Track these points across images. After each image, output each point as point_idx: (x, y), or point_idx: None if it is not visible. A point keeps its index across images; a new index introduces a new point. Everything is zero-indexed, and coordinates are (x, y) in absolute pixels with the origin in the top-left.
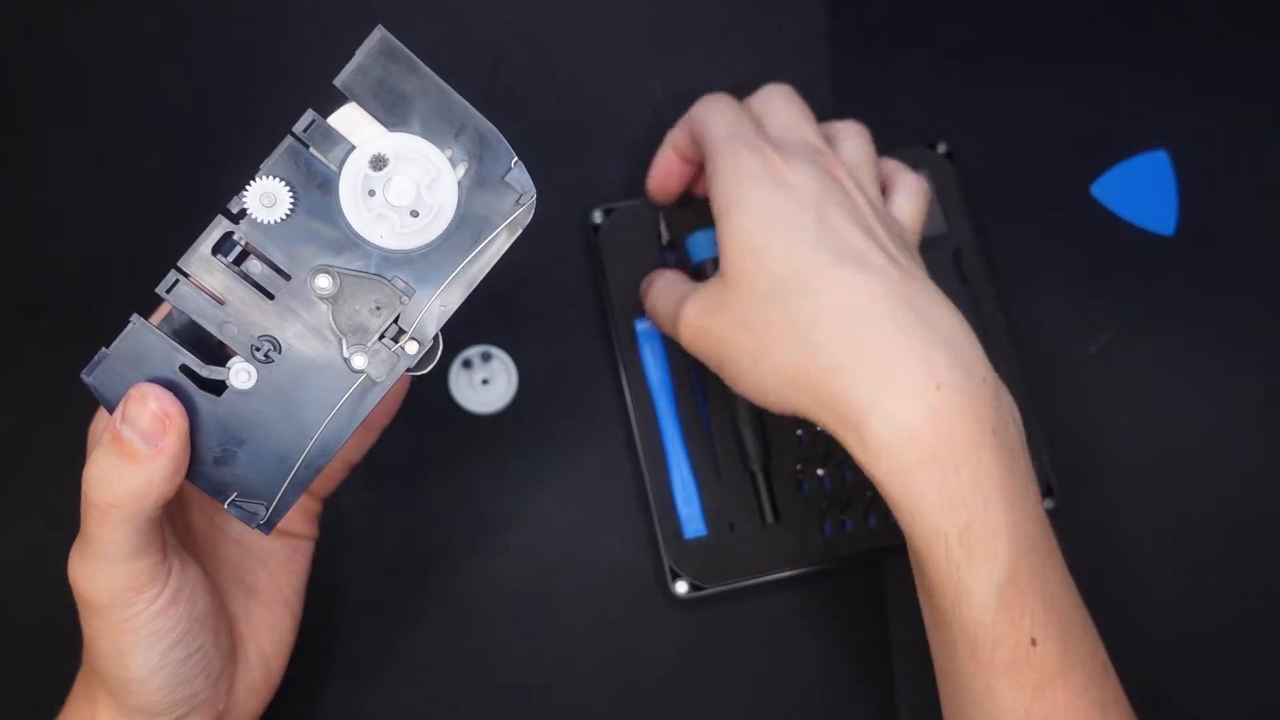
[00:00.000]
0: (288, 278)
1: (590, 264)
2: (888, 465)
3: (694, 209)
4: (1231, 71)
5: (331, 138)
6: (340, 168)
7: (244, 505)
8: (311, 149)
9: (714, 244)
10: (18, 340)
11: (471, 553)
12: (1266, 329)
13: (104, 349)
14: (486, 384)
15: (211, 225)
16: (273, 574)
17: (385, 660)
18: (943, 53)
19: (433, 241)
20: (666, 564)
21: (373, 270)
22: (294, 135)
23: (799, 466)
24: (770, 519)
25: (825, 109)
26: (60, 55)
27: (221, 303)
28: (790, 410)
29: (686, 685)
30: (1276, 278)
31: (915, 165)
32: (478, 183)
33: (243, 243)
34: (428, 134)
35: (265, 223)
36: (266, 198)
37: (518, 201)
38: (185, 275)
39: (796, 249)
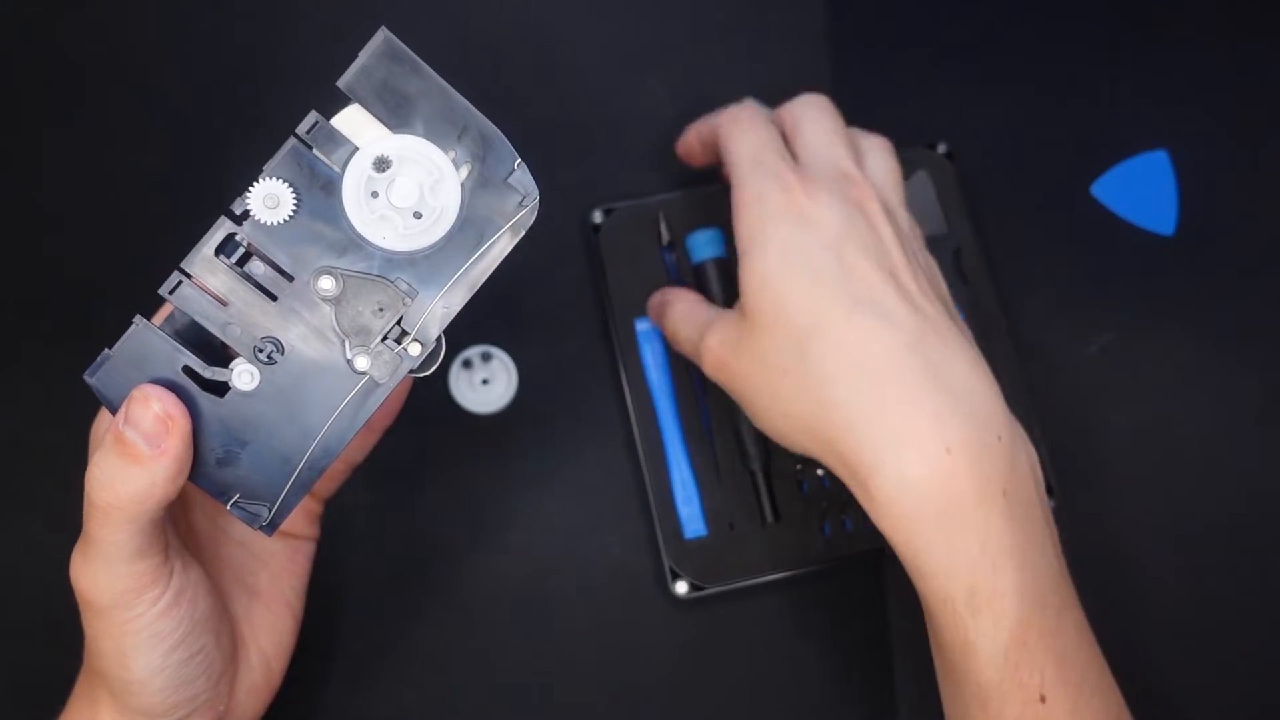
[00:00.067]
0: (291, 279)
1: (590, 264)
2: (896, 524)
3: (693, 209)
4: (1231, 71)
5: (335, 139)
6: (343, 169)
7: (246, 506)
8: (315, 150)
9: (714, 244)
10: (18, 340)
11: (472, 553)
12: (1266, 329)
13: (107, 350)
14: (486, 384)
15: (215, 226)
16: (274, 575)
17: (386, 660)
18: (943, 53)
19: (436, 243)
20: (666, 564)
21: (376, 272)
22: (297, 136)
23: (799, 466)
24: (770, 519)
25: None
26: (60, 55)
27: (224, 304)
28: (803, 453)
29: (686, 685)
30: (1276, 278)
31: (915, 165)
32: (481, 184)
33: (246, 244)
34: (431, 136)
35: (268, 224)
36: (270, 199)
37: (521, 203)
38: (188, 276)
39: (815, 294)
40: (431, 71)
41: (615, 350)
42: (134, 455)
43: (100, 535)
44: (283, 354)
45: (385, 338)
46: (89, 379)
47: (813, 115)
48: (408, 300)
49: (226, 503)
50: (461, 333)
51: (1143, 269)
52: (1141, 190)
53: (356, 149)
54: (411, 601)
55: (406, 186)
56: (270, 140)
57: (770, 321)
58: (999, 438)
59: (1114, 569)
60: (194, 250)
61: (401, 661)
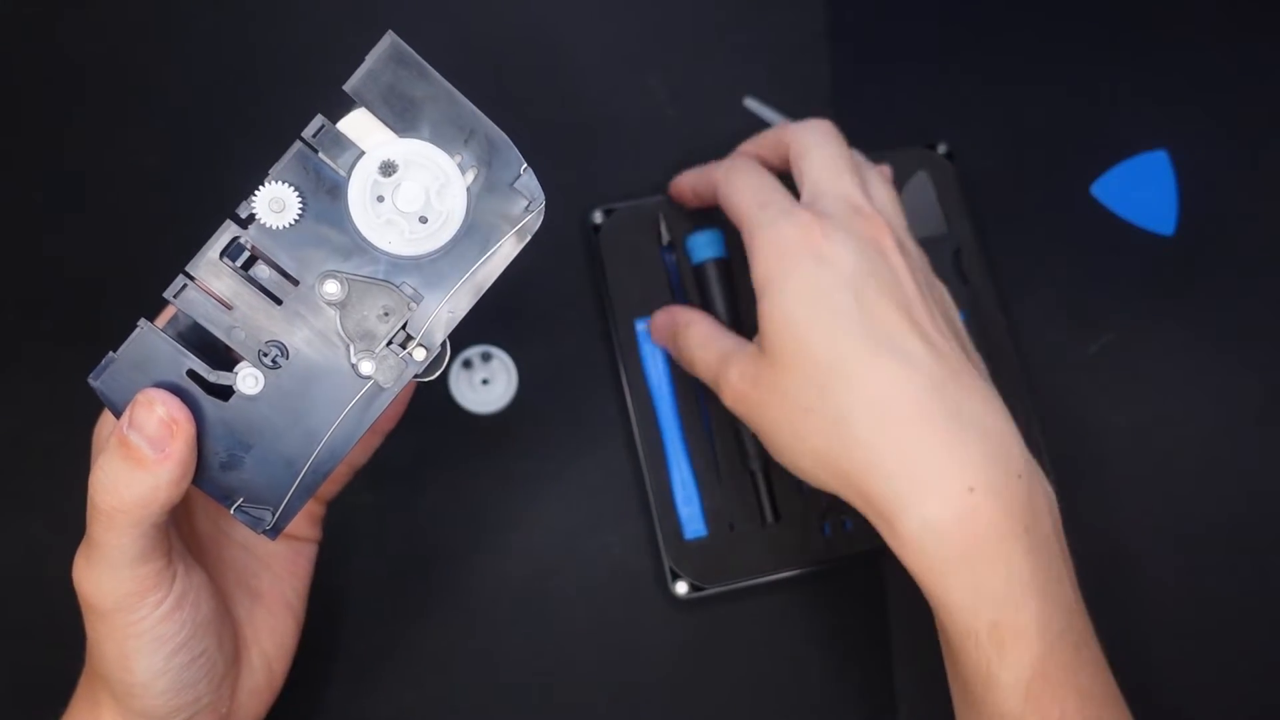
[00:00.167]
0: (296, 283)
1: (590, 264)
2: (920, 561)
3: (693, 210)
4: (1231, 71)
5: (340, 143)
6: (349, 173)
7: (250, 510)
8: (321, 154)
9: (714, 245)
10: (18, 340)
11: (472, 553)
12: (1266, 329)
13: (111, 353)
14: (486, 384)
15: (220, 230)
16: (276, 577)
17: (387, 661)
18: (943, 53)
19: (441, 248)
20: (667, 564)
21: (381, 276)
22: (303, 140)
23: None
24: (770, 519)
25: (825, 109)
26: (60, 55)
27: (229, 308)
28: (824, 489)
29: (686, 685)
30: (1276, 278)
31: (915, 165)
32: (487, 189)
33: (251, 247)
34: (437, 140)
35: (274, 228)
36: (275, 203)
37: (527, 208)
38: (192, 279)
39: (837, 335)
40: (438, 76)
41: (615, 350)
42: (138, 459)
43: (104, 539)
44: (287, 358)
45: (390, 342)
46: (93, 382)
47: (819, 143)
48: (413, 305)
49: (230, 507)
50: (462, 333)
51: (1143, 269)
52: (1141, 190)
53: (362, 153)
54: (412, 602)
55: (412, 191)
56: (271, 141)
57: (791, 361)
58: (1019, 475)
59: (1114, 569)
60: (199, 253)
61: (402, 662)
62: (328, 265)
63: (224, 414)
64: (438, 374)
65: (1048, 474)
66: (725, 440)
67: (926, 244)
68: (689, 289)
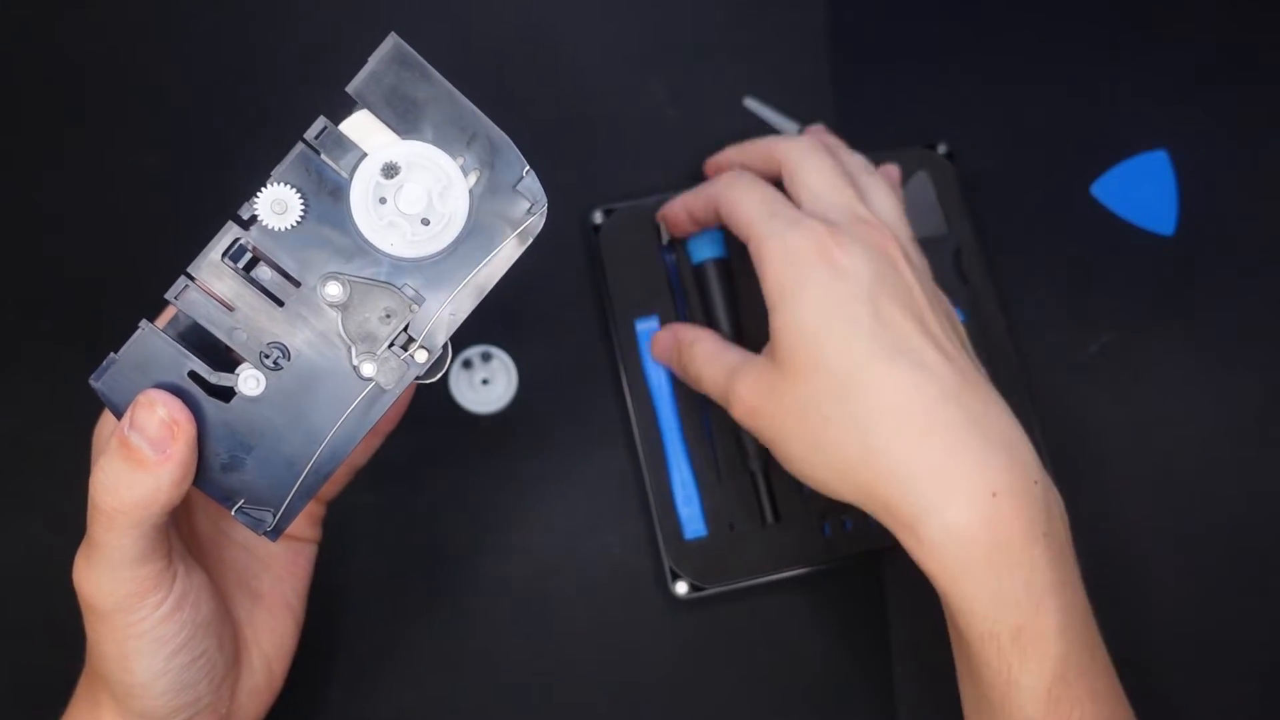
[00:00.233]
0: (298, 284)
1: (590, 264)
2: (942, 566)
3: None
4: (1231, 71)
5: (343, 145)
6: (352, 175)
7: (251, 512)
8: (323, 156)
9: (714, 245)
10: (18, 340)
11: (472, 553)
12: (1266, 329)
13: (112, 354)
14: (486, 384)
15: (222, 231)
16: (276, 578)
17: (387, 661)
18: (943, 53)
19: (443, 250)
20: (667, 564)
21: (383, 278)
22: (305, 142)
23: None
24: (770, 519)
25: (825, 109)
26: (60, 55)
27: (231, 309)
28: (842, 499)
29: (687, 685)
30: (1276, 278)
31: (915, 166)
32: (489, 191)
33: (252, 249)
34: (440, 142)
35: (276, 229)
36: (277, 204)
37: (529, 210)
38: (194, 281)
39: (853, 344)
40: (441, 77)
41: (615, 351)
42: (139, 460)
43: (104, 539)
44: (289, 359)
45: (392, 344)
46: (94, 383)
47: (812, 157)
48: (414, 307)
49: (231, 508)
50: (462, 333)
51: (1143, 269)
52: (1141, 190)
53: (365, 155)
54: (412, 602)
55: (414, 193)
56: (272, 142)
57: (807, 371)
58: (1035, 481)
59: (1114, 569)
60: (200, 255)
61: (402, 662)
62: (330, 267)
63: (225, 415)
64: (439, 376)
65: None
66: (725, 440)
67: (926, 244)
68: (689, 289)
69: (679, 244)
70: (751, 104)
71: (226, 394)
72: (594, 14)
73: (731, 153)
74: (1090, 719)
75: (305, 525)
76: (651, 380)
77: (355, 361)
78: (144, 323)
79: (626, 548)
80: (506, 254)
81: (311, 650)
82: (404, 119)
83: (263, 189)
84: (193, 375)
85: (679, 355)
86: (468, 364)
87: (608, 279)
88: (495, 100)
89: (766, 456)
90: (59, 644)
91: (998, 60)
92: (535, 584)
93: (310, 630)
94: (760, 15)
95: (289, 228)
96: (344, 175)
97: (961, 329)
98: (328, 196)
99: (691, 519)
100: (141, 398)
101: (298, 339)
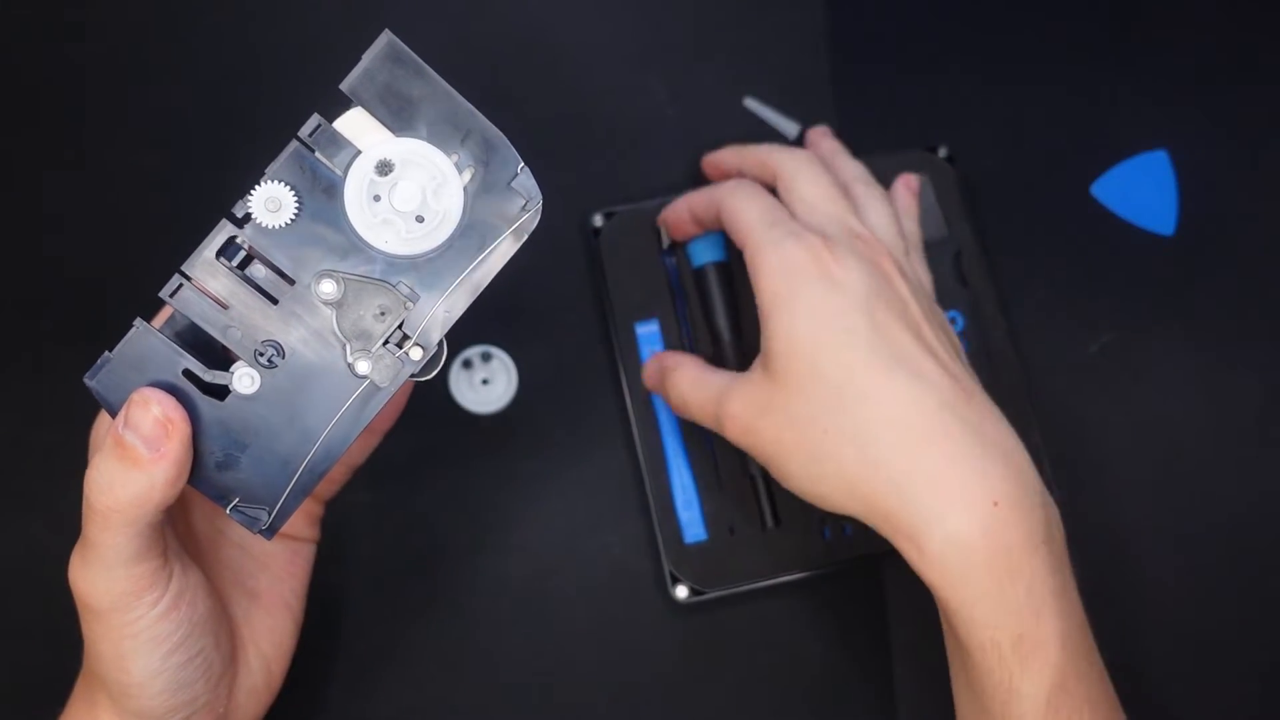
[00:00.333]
0: (292, 282)
1: (590, 266)
2: (943, 575)
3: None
4: (1231, 71)
5: (337, 142)
6: (345, 172)
7: (246, 510)
8: (317, 153)
9: (715, 248)
10: (18, 340)
11: (471, 553)
12: (1266, 329)
13: (107, 353)
14: (486, 384)
15: (216, 229)
16: (274, 577)
17: (386, 661)
18: (943, 53)
19: (438, 247)
20: (667, 568)
21: (377, 275)
22: (299, 139)
23: None
24: (770, 523)
25: (825, 109)
26: (60, 55)
27: (225, 307)
28: (841, 512)
29: (686, 687)
30: (1276, 278)
31: (916, 169)
32: (484, 188)
33: (247, 247)
34: (434, 139)
35: (270, 227)
36: (271, 202)
37: (524, 207)
38: (189, 279)
39: (850, 355)
40: (435, 75)
41: (615, 353)
42: (133, 459)
43: (99, 538)
44: (283, 357)
45: (387, 342)
46: (89, 382)
47: (807, 168)
48: (409, 304)
49: (226, 506)
50: (462, 333)
51: (1143, 269)
52: (1141, 190)
53: (359, 152)
54: (412, 602)
55: (409, 190)
56: (271, 141)
57: (803, 383)
58: (1034, 490)
59: (1114, 569)
60: (195, 253)
61: (402, 662)
62: (324, 264)
63: (220, 413)
64: (434, 373)
65: (1047, 475)
66: (725, 444)
67: (928, 247)
68: (689, 293)
69: (679, 247)
70: (751, 104)
71: (221, 392)
72: (593, 13)
73: (729, 155)
74: None
75: (303, 525)
76: None
77: (350, 359)
78: (138, 321)
79: (626, 548)
80: (502, 252)
81: (311, 650)
82: (398, 116)
83: (257, 186)
84: (187, 373)
85: (663, 381)
86: (468, 364)
87: (608, 282)
88: (491, 99)
89: None
90: (58, 644)
91: (997, 60)
92: (535, 584)
93: (310, 630)
94: (760, 15)
95: (283, 225)
96: (338, 172)
97: (957, 342)
98: (322, 194)
99: (691, 523)
100: (136, 396)
101: (292, 337)
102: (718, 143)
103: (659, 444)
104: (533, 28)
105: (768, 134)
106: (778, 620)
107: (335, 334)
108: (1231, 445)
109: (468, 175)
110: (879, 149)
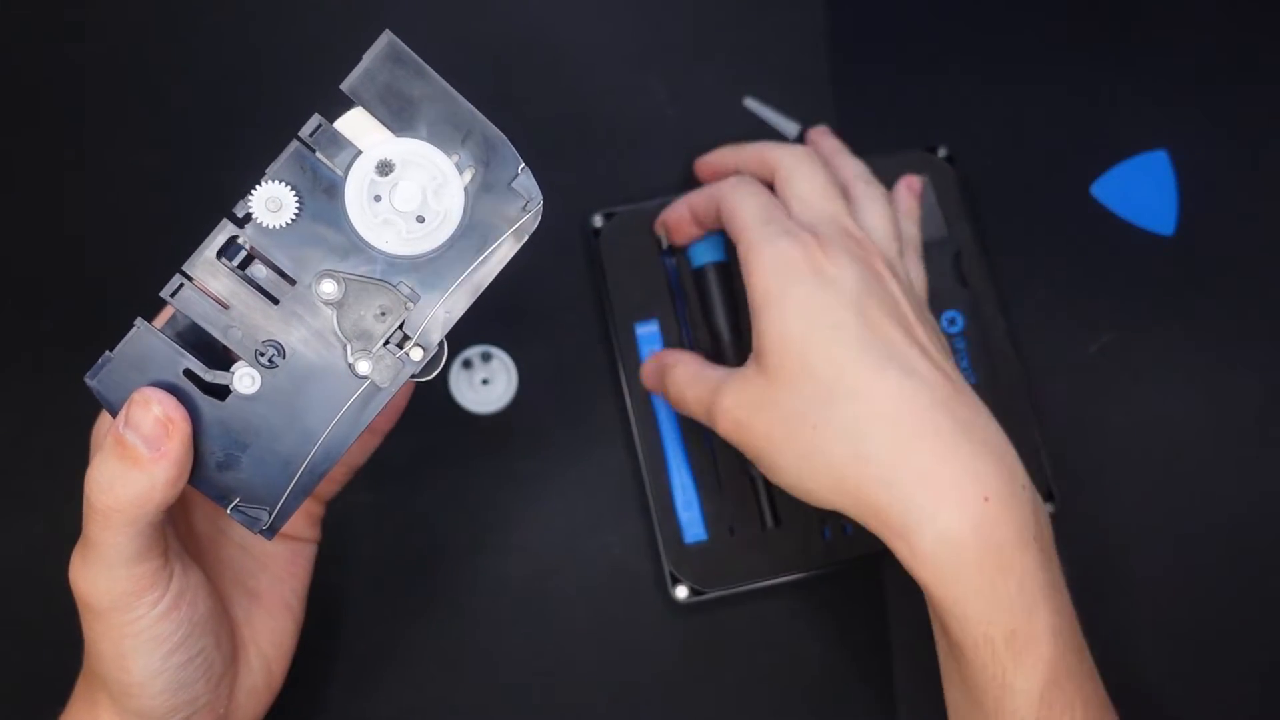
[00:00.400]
0: (293, 282)
1: (590, 266)
2: (937, 574)
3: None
4: (1231, 71)
5: (338, 142)
6: (346, 173)
7: (247, 510)
8: (317, 153)
9: (714, 249)
10: (18, 340)
11: (471, 553)
12: (1266, 329)
13: (107, 352)
14: (486, 384)
15: (216, 229)
16: (275, 577)
17: (386, 661)
18: (943, 53)
19: (438, 247)
20: (667, 569)
21: (378, 276)
22: (300, 139)
23: None
24: (770, 523)
25: (825, 109)
26: (60, 55)
27: (226, 307)
28: (830, 508)
29: (686, 687)
30: (1276, 278)
31: (916, 169)
32: (484, 189)
33: (248, 247)
34: (434, 139)
35: (270, 227)
36: (272, 202)
37: (524, 208)
38: (189, 279)
39: (842, 351)
40: (435, 75)
41: (615, 354)
42: (134, 458)
43: (100, 538)
44: (284, 357)
45: (387, 342)
46: (90, 381)
47: (803, 168)
48: (410, 304)
49: (226, 506)
50: (462, 333)
51: (1143, 269)
52: (1141, 190)
53: (359, 152)
54: (412, 602)
55: (409, 190)
56: (271, 141)
57: (794, 378)
58: (1023, 487)
59: (1114, 569)
60: (196, 253)
61: (402, 662)
62: (325, 265)
63: (221, 413)
64: (435, 374)
65: (1048, 474)
66: (725, 444)
67: (927, 247)
68: (689, 293)
69: (679, 248)
70: (751, 104)
71: (222, 392)
72: (593, 13)
73: (726, 154)
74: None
75: (304, 525)
76: None
77: (350, 359)
78: (139, 321)
79: (626, 548)
80: (502, 252)
81: (311, 650)
82: (399, 116)
83: (257, 186)
84: (188, 373)
85: (662, 377)
86: (468, 364)
87: (607, 282)
88: (492, 99)
89: None
90: (59, 643)
91: (997, 60)
92: (535, 584)
93: (310, 630)
94: (760, 15)
95: (284, 225)
96: (339, 173)
97: (947, 344)
98: (322, 194)
99: (691, 523)
100: (136, 395)
101: (293, 337)
102: (718, 143)
103: (659, 444)
104: (532, 28)
105: (768, 134)
106: (777, 620)
107: (336, 334)
108: (1231, 445)
109: (468, 175)
110: (879, 149)
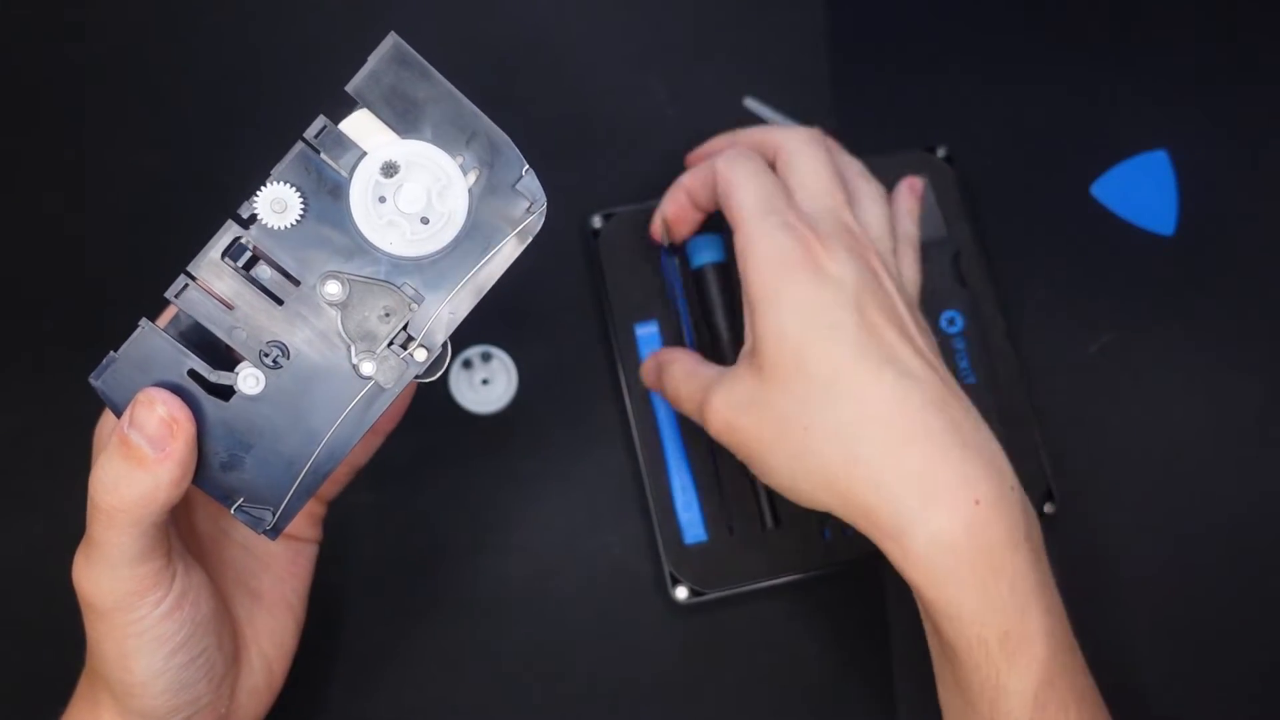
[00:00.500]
0: (297, 283)
1: (590, 266)
2: (929, 576)
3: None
4: (1231, 71)
5: (343, 143)
6: (351, 174)
7: (250, 511)
8: (323, 155)
9: (714, 249)
10: (18, 340)
11: (472, 553)
12: (1266, 329)
13: (112, 353)
14: (486, 384)
15: (221, 230)
16: (277, 578)
17: (387, 661)
18: (943, 53)
19: (443, 249)
20: (667, 569)
21: (382, 277)
22: (305, 141)
23: None
24: (770, 524)
25: (825, 109)
26: (60, 55)
27: (230, 308)
28: (822, 509)
29: (686, 687)
30: (1276, 278)
31: (915, 169)
32: (488, 190)
33: (252, 248)
34: (439, 141)
35: (275, 228)
36: (277, 203)
37: (528, 209)
38: (194, 279)
39: (838, 351)
40: (440, 77)
41: (615, 354)
42: (138, 458)
43: (103, 538)
44: (288, 358)
45: (391, 343)
46: (94, 381)
47: (808, 154)
48: (414, 306)
49: (230, 507)
50: (462, 333)
51: (1143, 269)
52: (1141, 190)
53: (364, 154)
54: (412, 602)
55: (414, 192)
56: (272, 141)
57: (788, 376)
58: (1012, 488)
59: (1113, 569)
60: (200, 254)
61: (402, 662)
62: (329, 266)
63: (225, 414)
64: (439, 375)
65: (1048, 474)
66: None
67: (926, 248)
68: (688, 293)
69: (678, 248)
70: (751, 104)
71: (226, 393)
72: (594, 14)
73: (722, 142)
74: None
75: (306, 525)
76: None
77: (355, 360)
78: (144, 321)
79: (626, 548)
80: (506, 253)
81: (311, 650)
82: (403, 118)
83: (262, 187)
84: (192, 374)
85: (659, 375)
86: (468, 364)
87: (607, 283)
88: (495, 100)
89: None
90: (61, 643)
91: (997, 60)
92: (535, 584)
93: (310, 630)
94: (760, 15)
95: (288, 226)
96: (343, 174)
97: (936, 343)
98: (327, 195)
99: (691, 523)
100: (141, 396)
101: (297, 338)
102: None
103: (659, 444)
104: (534, 28)
105: None
106: (777, 621)
107: (340, 335)
108: (1231, 445)
109: (473, 177)
110: (878, 149)
